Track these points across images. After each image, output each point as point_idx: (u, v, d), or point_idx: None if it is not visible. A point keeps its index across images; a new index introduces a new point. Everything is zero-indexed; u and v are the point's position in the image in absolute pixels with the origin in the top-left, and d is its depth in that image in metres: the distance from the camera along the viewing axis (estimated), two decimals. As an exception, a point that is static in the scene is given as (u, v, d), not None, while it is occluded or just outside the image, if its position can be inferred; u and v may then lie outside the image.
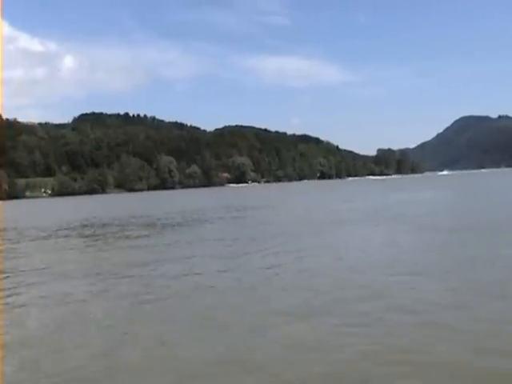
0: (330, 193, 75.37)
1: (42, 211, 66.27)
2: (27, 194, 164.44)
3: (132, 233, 25.76)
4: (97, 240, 23.32)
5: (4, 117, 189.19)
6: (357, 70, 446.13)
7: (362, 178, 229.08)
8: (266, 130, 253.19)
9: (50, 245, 22.56)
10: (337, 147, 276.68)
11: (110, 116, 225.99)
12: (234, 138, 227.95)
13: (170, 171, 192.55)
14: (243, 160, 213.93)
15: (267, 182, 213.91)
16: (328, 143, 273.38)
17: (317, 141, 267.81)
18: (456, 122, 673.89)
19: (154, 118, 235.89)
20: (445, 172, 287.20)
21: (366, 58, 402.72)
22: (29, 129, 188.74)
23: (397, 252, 14.92)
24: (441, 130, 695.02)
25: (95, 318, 9.55)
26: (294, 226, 24.50)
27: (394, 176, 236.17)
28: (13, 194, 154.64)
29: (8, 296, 11.65)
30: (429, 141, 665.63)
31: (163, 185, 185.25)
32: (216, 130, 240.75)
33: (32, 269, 15.38)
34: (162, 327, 8.64)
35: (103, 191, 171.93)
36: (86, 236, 25.90)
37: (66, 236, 26.36)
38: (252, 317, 8.92)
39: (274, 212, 36.89)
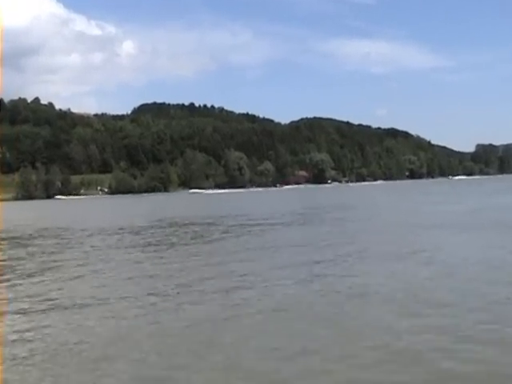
0: (425, 194, 69.58)
1: (100, 211, 66.30)
2: (82, 191, 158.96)
3: (209, 236, 25.26)
4: (164, 244, 22.36)
5: (57, 107, 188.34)
6: (451, 54, 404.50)
7: (462, 177, 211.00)
8: (348, 122, 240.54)
9: (114, 249, 21.55)
10: (428, 142, 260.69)
11: (174, 106, 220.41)
12: (312, 131, 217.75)
13: (240, 168, 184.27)
14: (322, 156, 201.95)
15: (349, 181, 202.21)
16: (418, 138, 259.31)
17: (405, 135, 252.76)
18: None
19: (222, 109, 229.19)
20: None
21: (462, 40, 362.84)
22: (84, 120, 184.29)
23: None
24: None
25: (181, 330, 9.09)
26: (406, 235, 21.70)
27: (495, 176, 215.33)
28: (66, 192, 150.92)
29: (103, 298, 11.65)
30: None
31: (232, 183, 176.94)
32: (291, 122, 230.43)
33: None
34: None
35: (165, 190, 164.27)
36: (151, 240, 24.53)
37: (129, 239, 25.61)
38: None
39: (371, 215, 34.30)
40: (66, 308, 11.02)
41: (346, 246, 18.75)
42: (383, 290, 11.24)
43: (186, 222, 34.95)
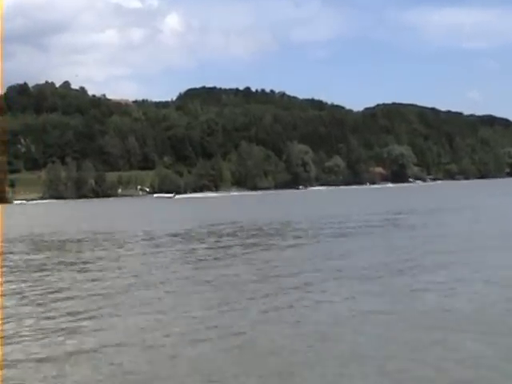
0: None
1: (143, 213, 65.51)
2: (119, 191, 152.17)
3: (277, 242, 25.63)
4: (222, 252, 22.85)
5: (89, 92, 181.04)
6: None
7: None
8: (433, 109, 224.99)
9: (163, 257, 22.04)
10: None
11: (226, 91, 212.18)
12: (390, 120, 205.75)
13: (305, 164, 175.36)
14: (402, 150, 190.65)
15: (435, 179, 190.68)
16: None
17: (505, 123, 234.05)
18: None
19: (283, 94, 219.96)
20: None
21: None
22: (121, 108, 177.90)
23: None
24: None
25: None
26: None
27: None
28: (101, 192, 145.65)
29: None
30: None
31: (294, 182, 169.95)
32: (366, 109, 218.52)
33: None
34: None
35: (217, 189, 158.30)
36: (208, 246, 25.32)
37: (182, 245, 26.47)
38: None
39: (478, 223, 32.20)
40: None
41: (455, 267, 17.14)
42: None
43: (252, 226, 35.25)
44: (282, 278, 15.92)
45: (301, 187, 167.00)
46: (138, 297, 13.88)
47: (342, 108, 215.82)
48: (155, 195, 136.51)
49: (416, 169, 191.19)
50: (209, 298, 13.66)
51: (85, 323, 11.38)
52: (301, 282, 14.97)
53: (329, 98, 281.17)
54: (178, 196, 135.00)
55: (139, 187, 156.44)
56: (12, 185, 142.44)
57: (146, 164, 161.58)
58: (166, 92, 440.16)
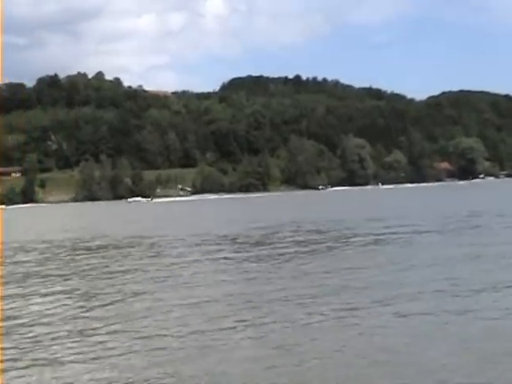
0: None
1: (191, 214, 64.69)
2: (158, 191, 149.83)
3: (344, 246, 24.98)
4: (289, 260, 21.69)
5: (125, 83, 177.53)
6: None
7: None
8: (507, 96, 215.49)
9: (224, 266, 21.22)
10: None
11: (275, 80, 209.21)
12: (458, 109, 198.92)
13: (362, 160, 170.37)
14: (471, 143, 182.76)
15: (509, 175, 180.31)
16: None
17: None
18: None
19: (337, 83, 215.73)
20: None
21: None
22: (160, 100, 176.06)
23: None
24: None
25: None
26: None
27: None
28: (138, 192, 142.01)
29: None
30: None
31: (350, 179, 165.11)
32: (429, 98, 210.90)
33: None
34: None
35: (264, 188, 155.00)
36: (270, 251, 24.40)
37: (240, 249, 26.25)
38: None
39: None
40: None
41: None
42: None
43: (309, 228, 34.74)
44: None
45: (371, 186, 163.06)
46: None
47: (403, 97, 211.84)
48: (129, 199, 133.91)
49: (487, 164, 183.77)
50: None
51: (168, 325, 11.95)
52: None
53: (388, 86, 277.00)
54: (180, 197, 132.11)
55: (180, 187, 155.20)
56: (42, 185, 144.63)
57: (187, 161, 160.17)
58: (208, 82, 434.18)
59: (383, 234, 29.43)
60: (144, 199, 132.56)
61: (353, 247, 24.65)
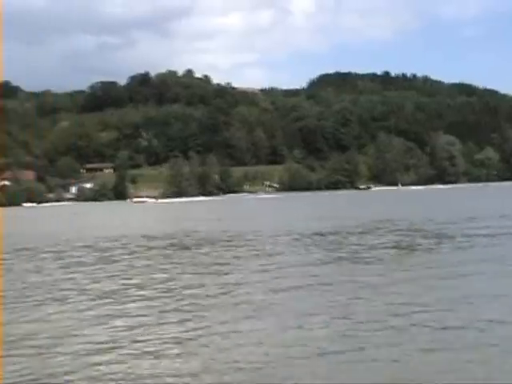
0: None
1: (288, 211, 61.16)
2: (245, 187, 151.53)
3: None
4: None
5: (214, 81, 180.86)
6: None
7: None
8: None
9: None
10: None
11: (363, 77, 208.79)
12: None
13: (451, 157, 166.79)
14: None
15: None
16: None
17: None
18: None
19: (426, 79, 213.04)
20: None
21: None
22: (248, 97, 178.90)
23: None
24: None
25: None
26: None
27: None
28: (227, 188, 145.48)
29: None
30: None
31: (440, 177, 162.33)
32: None
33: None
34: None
35: (352, 185, 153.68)
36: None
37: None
38: None
39: None
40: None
41: None
42: None
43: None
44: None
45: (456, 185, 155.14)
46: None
47: (496, 92, 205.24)
48: (134, 199, 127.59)
49: None
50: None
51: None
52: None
53: (480, 81, 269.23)
54: (181, 199, 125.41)
55: (267, 183, 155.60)
56: (133, 181, 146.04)
57: (275, 158, 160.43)
58: (295, 79, 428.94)
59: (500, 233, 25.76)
60: (149, 199, 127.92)
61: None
